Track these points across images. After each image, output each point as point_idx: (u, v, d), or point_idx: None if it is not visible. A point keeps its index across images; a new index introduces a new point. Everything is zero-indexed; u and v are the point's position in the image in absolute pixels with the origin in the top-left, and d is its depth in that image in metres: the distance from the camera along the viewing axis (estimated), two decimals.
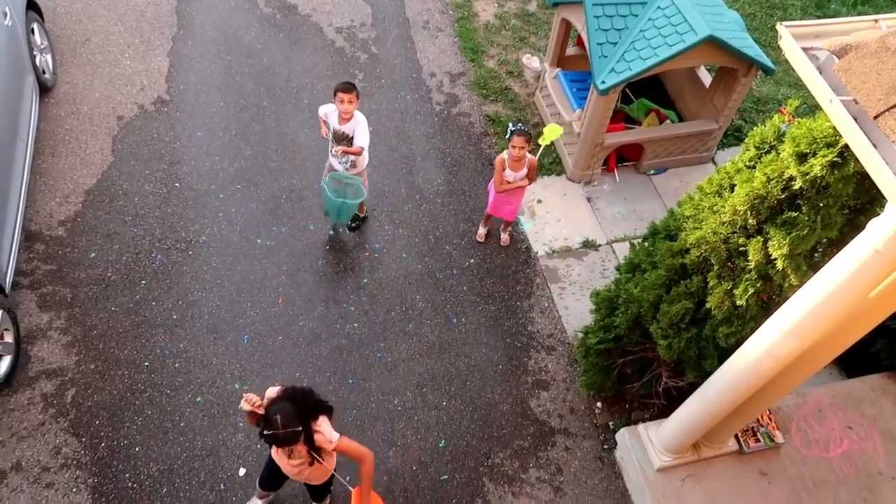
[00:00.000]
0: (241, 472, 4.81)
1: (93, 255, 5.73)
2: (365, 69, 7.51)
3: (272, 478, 4.25)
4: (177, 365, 5.25)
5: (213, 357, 5.31)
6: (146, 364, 5.22)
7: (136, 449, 4.85)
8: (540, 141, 5.60)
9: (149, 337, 5.36)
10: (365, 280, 5.91)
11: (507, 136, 5.40)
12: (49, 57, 6.72)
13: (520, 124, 5.44)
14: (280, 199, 6.32)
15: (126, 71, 7.03)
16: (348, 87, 5.23)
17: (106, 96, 6.79)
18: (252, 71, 7.28)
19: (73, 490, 4.64)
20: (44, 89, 6.56)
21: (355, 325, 5.65)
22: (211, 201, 6.20)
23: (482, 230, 6.28)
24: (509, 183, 5.63)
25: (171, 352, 5.31)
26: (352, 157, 5.57)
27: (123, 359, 5.23)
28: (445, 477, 4.99)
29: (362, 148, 5.40)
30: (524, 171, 5.61)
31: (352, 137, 5.43)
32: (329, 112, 5.51)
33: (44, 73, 6.49)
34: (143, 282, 5.64)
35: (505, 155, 5.51)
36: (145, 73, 7.06)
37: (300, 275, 5.85)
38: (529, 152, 5.54)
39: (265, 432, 3.43)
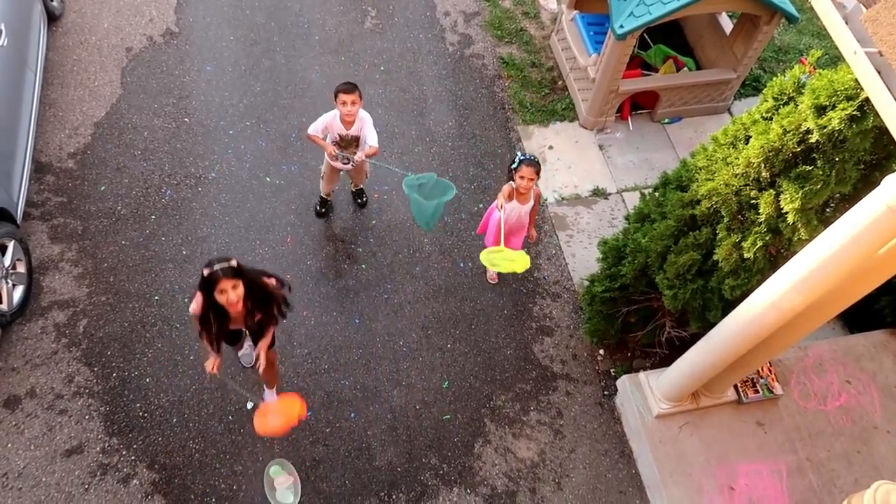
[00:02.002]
0: (249, 405, 4.93)
1: (103, 188, 5.74)
2: (377, 6, 7.35)
3: (230, 336, 4.23)
4: (186, 299, 5.31)
5: None
6: (156, 298, 5.30)
7: (147, 380, 4.97)
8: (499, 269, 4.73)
9: (158, 272, 5.42)
10: (373, 222, 5.92)
11: (514, 166, 4.70)
12: None
13: (529, 154, 4.82)
14: (290, 137, 6.27)
15: (135, 1, 6.89)
16: (350, 88, 4.72)
17: (114, 27, 6.68)
18: (263, 4, 7.13)
19: (86, 417, 4.78)
20: (52, 18, 6.46)
21: (363, 266, 5.69)
22: (220, 137, 6.17)
23: (491, 272, 5.68)
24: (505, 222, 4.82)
25: (180, 287, 5.37)
26: (357, 158, 5.04)
27: (134, 292, 5.30)
28: (448, 417, 5.10)
29: (378, 148, 4.96)
30: (531, 203, 4.94)
31: (358, 137, 4.98)
32: (328, 122, 4.94)
33: (52, 0, 6.38)
34: (153, 217, 5.66)
35: (513, 184, 4.78)
36: (154, 4, 6.92)
37: (309, 215, 5.85)
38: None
39: (204, 270, 3.58)
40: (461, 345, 5.43)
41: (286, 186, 5.98)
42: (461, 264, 5.81)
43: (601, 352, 5.53)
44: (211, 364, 4.06)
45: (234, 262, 3.63)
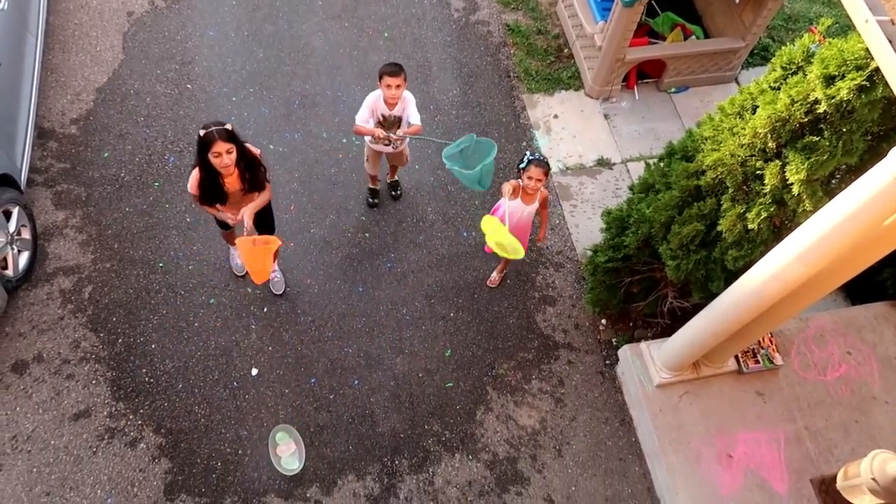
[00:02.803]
0: (254, 371, 4.98)
1: (106, 154, 5.73)
2: None
3: (222, 222, 4.68)
4: (190, 267, 5.34)
5: (225, 261, 5.39)
6: (160, 265, 5.32)
7: (153, 346, 5.01)
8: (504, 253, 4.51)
9: (163, 238, 5.43)
10: (370, 201, 5.87)
11: (523, 165, 4.49)
12: None
13: (537, 153, 4.57)
14: (293, 104, 6.23)
15: None
16: (396, 70, 4.58)
17: None
18: None
19: (93, 382, 4.84)
20: None
21: (366, 234, 5.69)
22: (223, 104, 6.13)
23: (496, 276, 5.59)
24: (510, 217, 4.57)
25: (184, 254, 5.39)
26: (397, 135, 4.96)
27: (138, 259, 5.32)
28: (450, 384, 5.15)
29: (420, 126, 4.86)
30: (535, 205, 4.74)
31: (401, 118, 4.88)
32: (372, 104, 4.81)
33: None
34: (157, 184, 5.66)
35: (520, 182, 4.60)
36: None
37: (312, 182, 5.84)
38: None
39: (201, 132, 3.88)
40: (464, 314, 5.46)
41: (289, 154, 5.96)
42: (464, 234, 5.81)
43: (603, 322, 5.56)
44: (227, 216, 4.29)
45: (228, 126, 3.91)
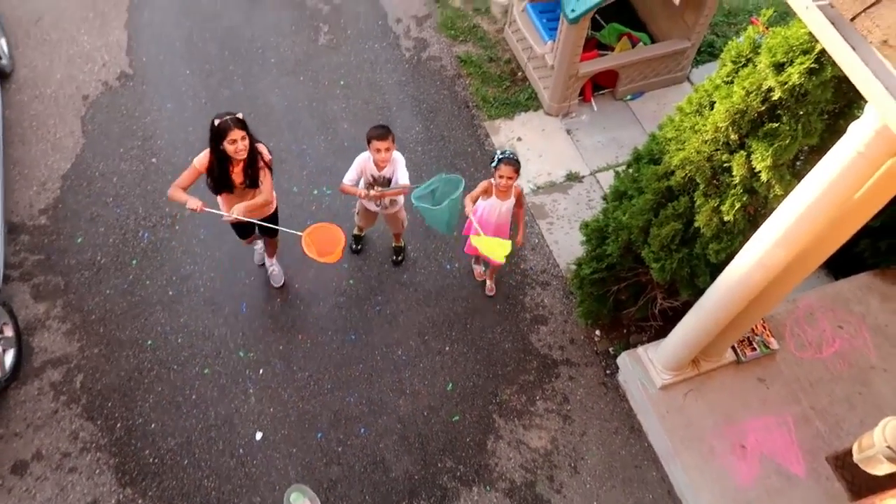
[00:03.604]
0: (258, 435, 4.92)
1: (79, 240, 5.68)
2: (329, 21, 7.35)
3: (240, 230, 5.05)
4: (180, 340, 5.29)
5: (214, 328, 5.35)
6: (149, 342, 5.26)
7: (153, 426, 4.93)
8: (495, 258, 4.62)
9: (148, 316, 5.38)
10: (353, 248, 5.87)
11: (494, 164, 4.65)
12: (2, 40, 6.51)
13: (507, 151, 4.70)
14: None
15: (84, 48, 6.84)
16: (384, 133, 4.61)
17: (68, 76, 6.62)
18: (214, 35, 7.11)
19: (97, 472, 4.73)
20: (2, 76, 6.38)
21: (351, 281, 5.69)
22: None
23: (478, 269, 5.76)
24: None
25: (172, 328, 5.34)
26: (373, 194, 4.95)
27: (126, 340, 5.26)
28: (457, 418, 5.12)
29: (409, 185, 4.84)
30: (511, 200, 4.88)
31: (391, 179, 4.90)
32: (361, 165, 4.85)
33: (0, 58, 6.31)
34: (134, 261, 5.62)
35: (493, 181, 4.77)
36: (105, 48, 6.87)
37: (289, 238, 5.81)
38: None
39: (216, 121, 4.17)
40: (459, 345, 5.45)
41: None
42: (447, 266, 5.83)
43: (597, 332, 5.59)
44: (196, 204, 4.30)
45: (240, 115, 4.23)
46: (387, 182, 4.90)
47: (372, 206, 5.18)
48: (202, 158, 4.38)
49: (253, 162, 4.41)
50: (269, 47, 7.07)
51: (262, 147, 4.47)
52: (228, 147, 4.20)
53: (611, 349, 5.49)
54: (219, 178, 4.40)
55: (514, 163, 4.62)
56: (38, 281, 5.46)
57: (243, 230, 5.07)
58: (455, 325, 5.55)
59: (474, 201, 4.79)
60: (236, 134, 4.16)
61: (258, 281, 5.61)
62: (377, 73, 6.99)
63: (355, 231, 5.77)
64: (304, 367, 5.25)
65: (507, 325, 5.58)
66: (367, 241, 5.89)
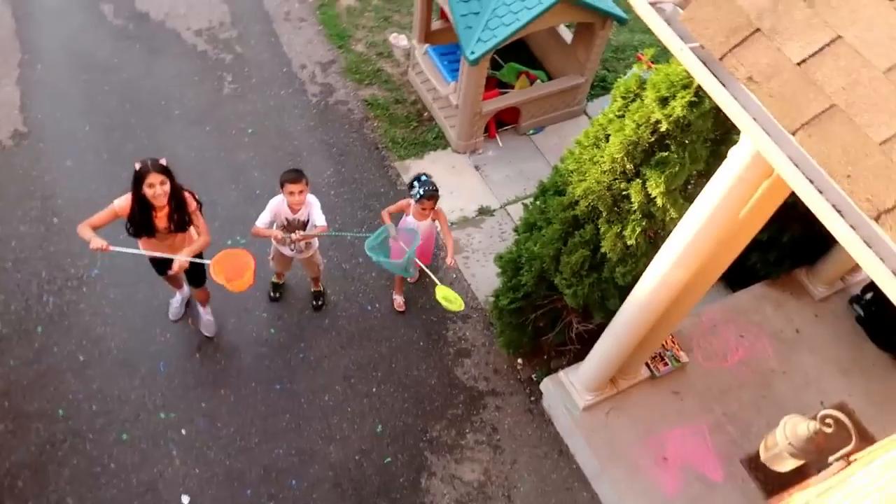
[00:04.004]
0: (185, 500, 4.75)
1: None
2: (232, 70, 7.34)
3: (157, 265, 4.94)
4: (94, 407, 5.06)
5: (130, 391, 5.16)
6: (61, 412, 5.01)
7: (69, 500, 4.67)
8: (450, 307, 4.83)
9: (57, 384, 5.13)
10: (271, 295, 5.82)
11: (416, 198, 4.88)
12: None
13: (424, 176, 4.90)
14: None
15: None
16: (296, 177, 4.66)
17: None
18: (113, 88, 6.96)
19: None
20: None
21: (272, 330, 5.63)
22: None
23: (398, 299, 5.86)
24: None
25: (84, 395, 5.11)
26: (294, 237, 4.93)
27: (34, 412, 4.99)
28: (389, 459, 5.12)
29: (326, 227, 4.87)
30: (428, 221, 5.11)
31: (306, 222, 4.92)
32: (275, 209, 4.85)
33: None
34: (39, 328, 5.36)
35: (412, 202, 5.01)
36: None
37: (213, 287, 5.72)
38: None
39: (137, 165, 4.17)
40: (386, 386, 5.47)
41: None
42: (368, 307, 5.86)
43: (519, 361, 5.73)
44: (99, 244, 4.22)
45: (163, 161, 4.21)
46: (302, 225, 4.91)
47: (286, 251, 5.17)
48: (122, 202, 4.35)
49: (179, 206, 4.39)
50: (172, 98, 6.98)
51: (187, 194, 4.46)
52: (147, 191, 4.19)
53: (533, 376, 5.64)
54: (140, 222, 4.39)
55: (436, 195, 4.92)
56: None
57: (161, 266, 4.94)
58: (380, 365, 5.56)
59: (390, 214, 5.08)
60: (154, 178, 4.15)
61: (175, 338, 5.46)
62: (285, 120, 7.02)
63: (274, 279, 5.73)
64: (229, 423, 5.12)
65: (431, 361, 5.65)
66: (286, 289, 5.85)
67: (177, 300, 5.51)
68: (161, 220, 4.41)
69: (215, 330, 5.51)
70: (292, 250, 5.12)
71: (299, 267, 5.93)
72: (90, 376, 5.18)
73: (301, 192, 4.71)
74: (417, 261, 4.97)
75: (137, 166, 4.17)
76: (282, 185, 4.72)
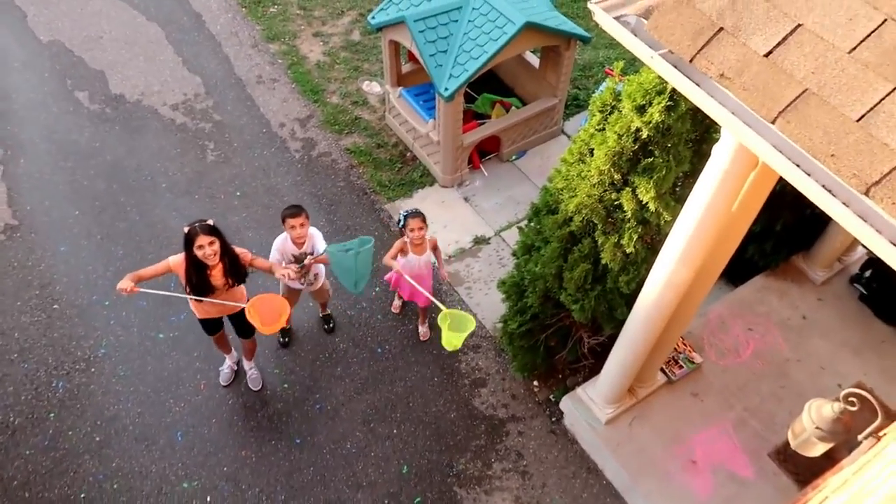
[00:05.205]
0: None
1: None
2: (213, 138, 7.44)
3: (208, 326, 5.08)
4: (115, 486, 5.01)
5: (151, 465, 5.11)
6: (83, 496, 4.95)
7: None
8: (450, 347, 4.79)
9: (76, 468, 5.08)
10: (280, 341, 5.86)
11: (401, 224, 5.10)
12: None
13: (409, 209, 5.15)
14: (169, 287, 6.13)
15: None
16: (296, 211, 4.85)
17: None
18: (98, 171, 7.04)
19: None
20: None
21: (285, 385, 5.62)
22: (98, 312, 5.95)
23: (423, 329, 5.97)
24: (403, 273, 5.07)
25: (105, 475, 5.06)
26: (314, 272, 5.29)
27: (56, 499, 4.93)
28: (419, 499, 5.07)
29: (329, 253, 4.90)
30: (427, 253, 5.26)
31: (311, 254, 5.06)
32: (280, 246, 5.03)
33: None
34: (52, 415, 5.33)
35: (406, 239, 5.15)
36: None
37: (214, 355, 5.72)
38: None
39: (185, 228, 4.34)
40: (406, 426, 5.45)
41: (182, 336, 5.83)
42: (378, 350, 5.87)
43: (535, 383, 5.73)
44: (126, 284, 4.30)
45: (210, 221, 4.39)
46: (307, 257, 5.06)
47: (296, 285, 5.29)
48: (177, 259, 4.49)
49: (234, 262, 4.55)
50: (157, 173, 7.06)
51: (239, 250, 4.64)
52: (198, 252, 4.33)
53: (551, 396, 5.63)
54: (197, 283, 4.50)
55: (419, 214, 5.05)
56: None
57: (213, 326, 5.13)
58: (398, 406, 5.55)
59: (393, 258, 5.15)
60: (203, 240, 4.30)
61: (189, 406, 5.43)
62: (272, 178, 7.10)
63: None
64: (254, 484, 5.08)
65: (448, 394, 5.64)
66: (293, 340, 5.86)
67: (227, 366, 5.60)
68: (216, 277, 4.54)
69: (261, 384, 5.59)
70: (302, 284, 5.24)
71: (300, 323, 5.96)
72: (108, 455, 5.14)
73: (302, 224, 4.87)
74: (423, 290, 5.05)
75: (186, 229, 4.34)
76: (283, 221, 4.89)
